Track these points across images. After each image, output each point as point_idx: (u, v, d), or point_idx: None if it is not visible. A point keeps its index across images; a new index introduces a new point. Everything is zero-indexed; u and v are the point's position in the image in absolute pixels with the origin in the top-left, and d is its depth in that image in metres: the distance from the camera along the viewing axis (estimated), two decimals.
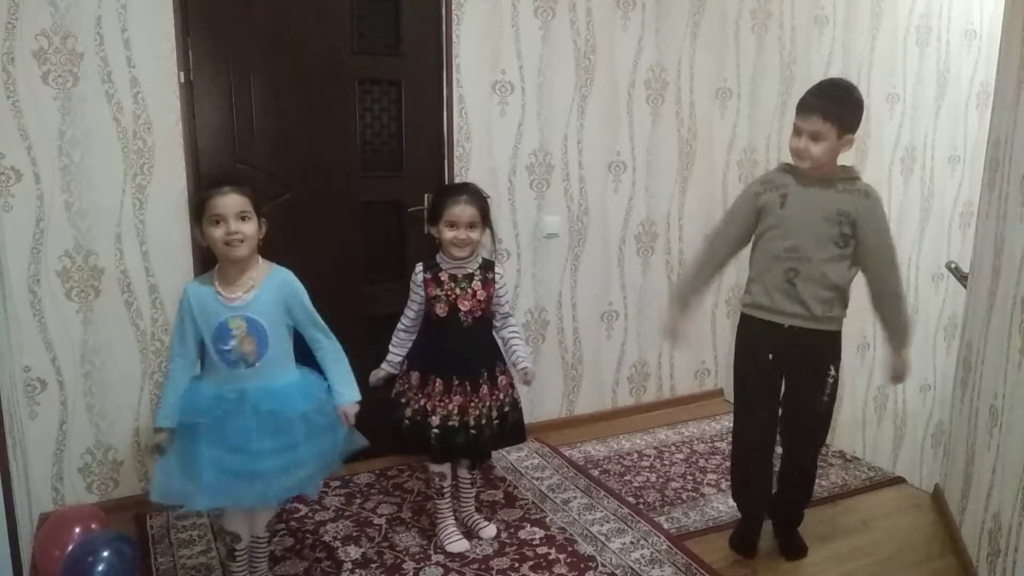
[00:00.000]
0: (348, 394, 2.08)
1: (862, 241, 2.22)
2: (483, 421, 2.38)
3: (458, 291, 2.36)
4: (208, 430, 1.95)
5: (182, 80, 2.60)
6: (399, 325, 2.47)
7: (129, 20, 2.49)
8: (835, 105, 2.16)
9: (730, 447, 2.67)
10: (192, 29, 2.61)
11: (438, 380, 2.35)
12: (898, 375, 2.37)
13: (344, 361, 2.10)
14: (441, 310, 2.36)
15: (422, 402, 2.37)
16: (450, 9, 2.98)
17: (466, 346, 2.38)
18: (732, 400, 2.49)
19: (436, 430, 2.34)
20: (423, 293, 2.37)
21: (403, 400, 2.41)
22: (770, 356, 2.32)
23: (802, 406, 2.35)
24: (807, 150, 2.17)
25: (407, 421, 2.39)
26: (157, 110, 2.57)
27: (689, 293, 2.46)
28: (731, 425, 3.61)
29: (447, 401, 2.35)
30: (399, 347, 2.46)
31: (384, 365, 2.47)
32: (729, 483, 2.95)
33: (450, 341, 2.37)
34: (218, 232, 1.93)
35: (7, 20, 2.34)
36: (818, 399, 2.33)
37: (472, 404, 2.36)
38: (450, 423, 2.34)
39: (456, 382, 2.35)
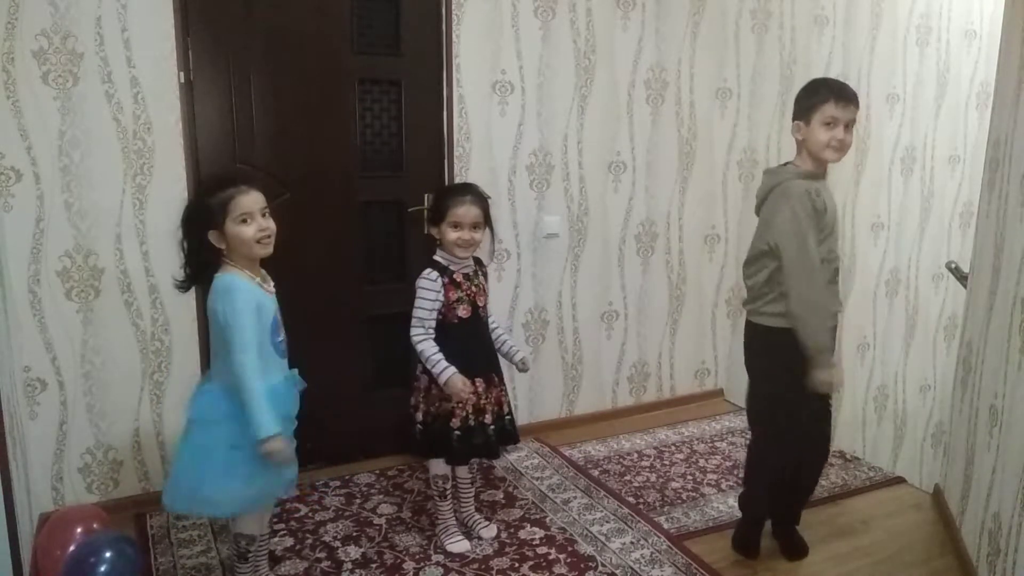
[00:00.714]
0: None
1: None
2: (505, 408, 2.46)
3: (474, 288, 2.38)
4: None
5: (182, 80, 2.60)
6: (426, 335, 2.31)
7: (129, 20, 2.49)
8: (857, 97, 2.21)
9: (740, 451, 2.65)
10: (192, 29, 2.61)
11: (478, 380, 2.36)
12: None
13: None
14: (464, 311, 2.35)
15: (468, 408, 2.35)
16: (450, 9, 2.98)
17: (488, 341, 2.45)
18: (742, 405, 2.46)
19: (492, 427, 2.38)
20: (443, 299, 2.33)
21: (452, 408, 2.34)
22: None
23: (824, 404, 2.35)
24: (845, 141, 2.17)
25: (457, 432, 2.33)
26: (157, 110, 2.57)
27: (832, 336, 2.25)
28: (731, 425, 3.62)
29: (490, 396, 2.39)
30: (440, 352, 2.30)
31: (454, 370, 2.27)
32: (729, 484, 2.96)
33: (479, 339, 2.40)
34: (250, 231, 1.92)
35: (7, 20, 2.34)
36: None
37: (503, 393, 2.44)
38: (495, 416, 2.40)
39: (494, 377, 2.41)
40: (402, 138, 3.03)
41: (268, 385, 1.91)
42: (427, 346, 2.31)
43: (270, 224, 1.96)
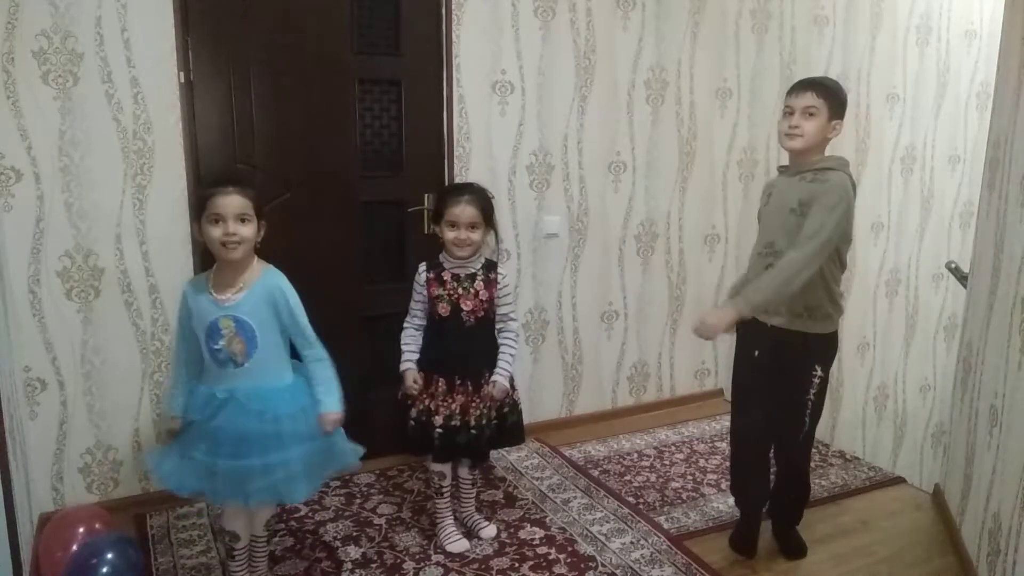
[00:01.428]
0: (327, 403, 2.05)
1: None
2: (483, 421, 2.38)
3: (460, 291, 2.36)
4: (199, 430, 2.00)
5: (182, 80, 2.60)
6: (407, 324, 2.44)
7: (129, 20, 2.49)
8: (824, 87, 2.21)
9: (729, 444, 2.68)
10: (192, 29, 2.61)
11: (441, 380, 2.36)
12: (707, 326, 2.11)
13: (327, 369, 2.07)
14: (443, 310, 2.36)
15: (426, 402, 2.37)
16: (450, 9, 2.98)
17: (468, 346, 2.38)
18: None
19: (439, 430, 2.35)
20: (426, 293, 2.38)
21: (408, 402, 2.41)
22: (756, 353, 2.33)
23: (785, 405, 2.32)
24: (799, 126, 2.18)
25: (412, 422, 2.39)
26: (157, 110, 2.57)
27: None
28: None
29: (450, 401, 2.36)
30: (413, 344, 2.42)
31: (410, 366, 2.40)
32: (729, 483, 2.96)
33: (452, 341, 2.37)
34: (216, 232, 1.94)
35: (7, 20, 2.34)
36: (802, 399, 2.29)
37: (473, 404, 2.37)
38: (452, 423, 2.35)
39: (459, 382, 2.36)
40: (402, 138, 3.02)
41: (196, 385, 2.05)
42: (402, 335, 2.44)
43: (240, 231, 1.94)
